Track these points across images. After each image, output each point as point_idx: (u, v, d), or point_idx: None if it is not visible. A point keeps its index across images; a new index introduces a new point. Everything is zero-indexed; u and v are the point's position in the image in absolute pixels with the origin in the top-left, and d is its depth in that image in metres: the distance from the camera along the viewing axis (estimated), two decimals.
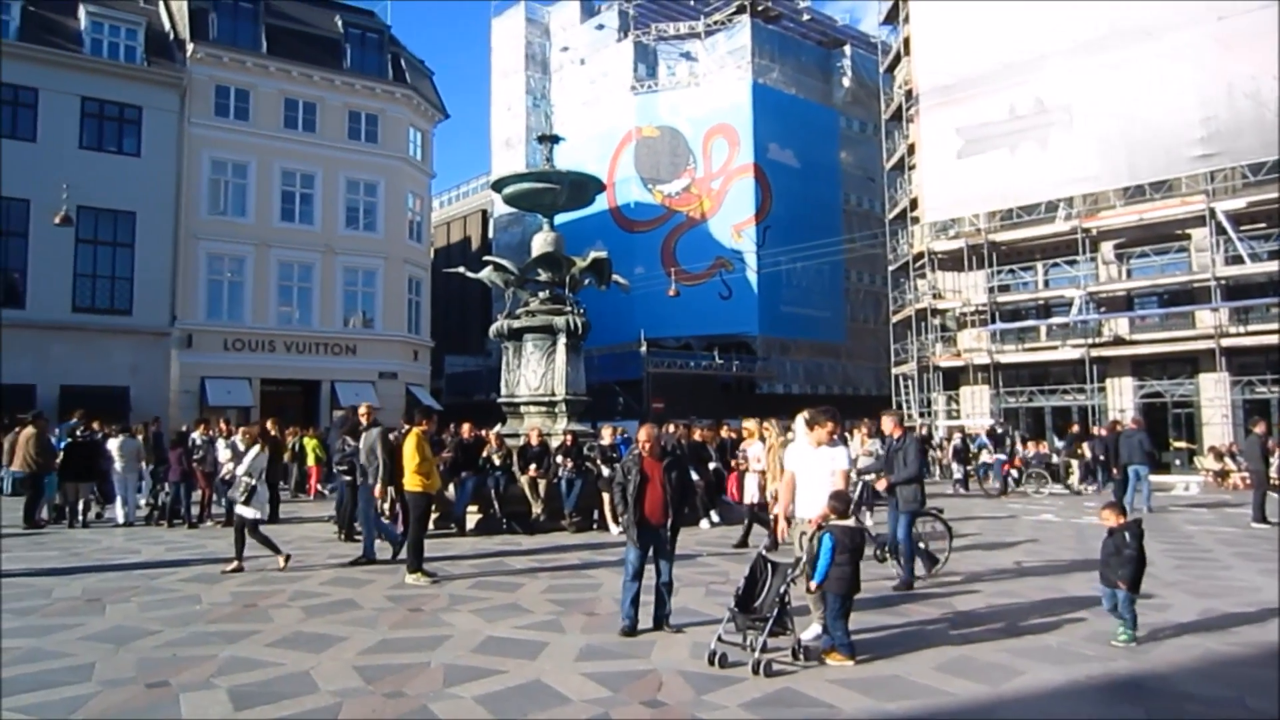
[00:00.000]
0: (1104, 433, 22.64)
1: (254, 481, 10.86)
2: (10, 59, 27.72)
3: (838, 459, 7.53)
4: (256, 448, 11.12)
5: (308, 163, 33.08)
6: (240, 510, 10.84)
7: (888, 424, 10.64)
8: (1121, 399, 30.50)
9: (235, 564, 10.65)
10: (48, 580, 10.11)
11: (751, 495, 12.18)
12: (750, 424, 13.47)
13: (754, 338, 41.70)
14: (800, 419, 7.85)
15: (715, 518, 15.33)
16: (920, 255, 35.11)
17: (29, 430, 15.49)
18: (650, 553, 7.66)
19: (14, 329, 27.04)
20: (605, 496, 13.34)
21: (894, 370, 37.46)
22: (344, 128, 34.02)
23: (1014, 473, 23.69)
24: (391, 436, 15.09)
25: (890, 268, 38.25)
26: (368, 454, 11.86)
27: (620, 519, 7.76)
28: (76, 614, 8.44)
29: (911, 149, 35.93)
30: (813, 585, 6.89)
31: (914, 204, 35.70)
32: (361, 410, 13.09)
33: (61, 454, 15.45)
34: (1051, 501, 20.19)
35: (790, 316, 42.81)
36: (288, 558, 10.88)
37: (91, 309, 28.65)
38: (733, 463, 13.83)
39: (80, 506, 15.35)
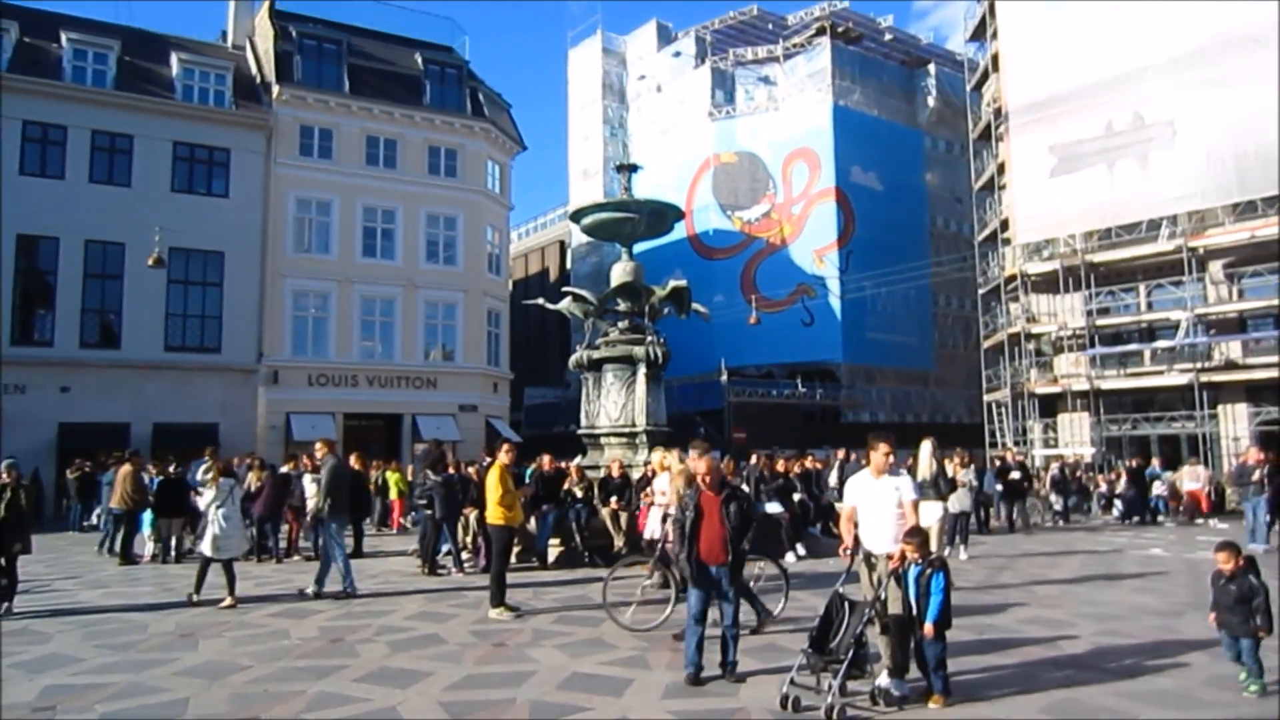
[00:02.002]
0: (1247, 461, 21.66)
1: (217, 516, 11.12)
2: (107, 107, 29.19)
3: (904, 490, 7.15)
4: (225, 481, 11.35)
5: (388, 199, 33.95)
6: (201, 547, 11.26)
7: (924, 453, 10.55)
8: (1235, 426, 29.26)
9: (228, 600, 10.89)
10: (143, 615, 10.47)
11: (653, 530, 11.78)
12: (659, 455, 12.96)
13: (838, 365, 41.26)
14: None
15: (801, 551, 15.14)
16: (1012, 278, 34.36)
17: (126, 468, 16.08)
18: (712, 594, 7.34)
19: (110, 369, 28.25)
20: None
21: (986, 397, 36.63)
22: (424, 163, 34.83)
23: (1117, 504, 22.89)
24: (474, 470, 15.27)
25: (980, 291, 37.52)
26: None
27: (677, 560, 7.44)
28: (171, 649, 8.72)
29: (1001, 168, 35.29)
30: (929, 628, 6.60)
31: (1005, 225, 35.01)
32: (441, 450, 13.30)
33: (155, 491, 16.00)
34: (1159, 534, 19.41)
35: (876, 343, 42.26)
36: (234, 604, 10.89)
37: (182, 348, 29.74)
38: (642, 495, 13.36)
39: (174, 542, 15.86)
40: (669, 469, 11.75)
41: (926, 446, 13.10)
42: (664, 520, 10.95)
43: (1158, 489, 23.36)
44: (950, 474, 15.18)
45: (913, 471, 12.56)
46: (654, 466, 12.98)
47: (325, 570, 11.72)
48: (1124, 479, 23.46)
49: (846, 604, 6.71)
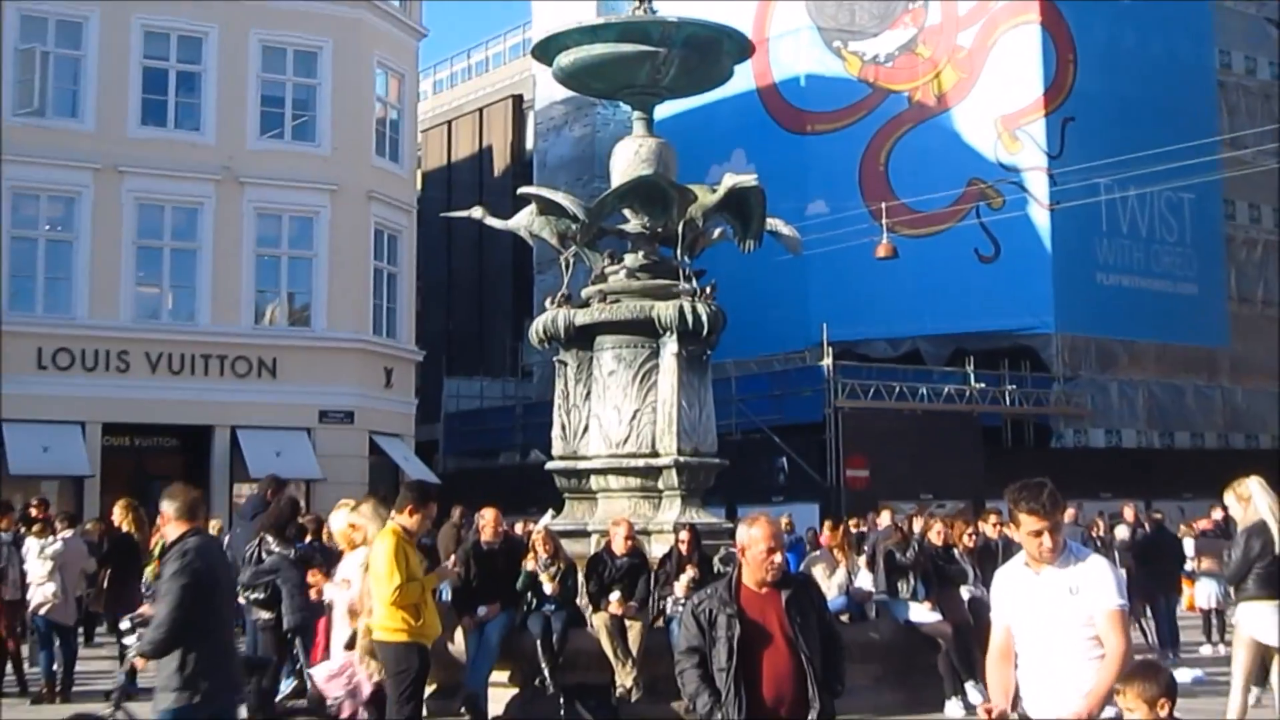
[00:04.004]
0: None
1: None
2: None
3: (1098, 589, 6.99)
4: None
5: (191, 15, 33.86)
6: None
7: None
8: None
9: None
10: None
11: (330, 671, 11.57)
12: (344, 511, 12.54)
13: (1045, 339, 41.05)
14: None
15: (973, 695, 15.03)
16: None
17: None
18: None
19: None
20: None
21: None
22: None
23: None
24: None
25: None
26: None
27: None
28: None
29: None
30: None
31: None
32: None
33: None
34: None
35: (1117, 295, 42.02)
36: None
37: None
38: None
39: None
40: (362, 539, 11.55)
41: (1255, 489, 12.90)
42: (349, 645, 11.08)
43: None
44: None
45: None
46: (341, 533, 12.63)
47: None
48: None
49: None
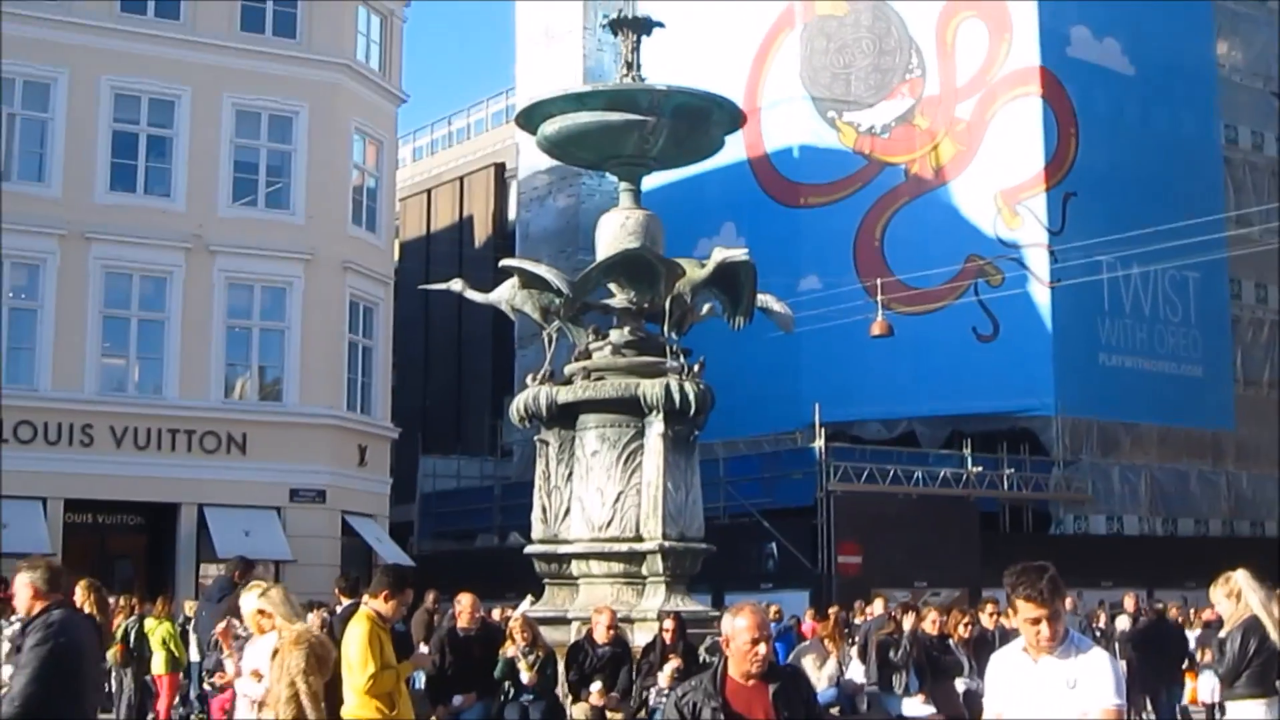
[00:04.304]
0: None
1: None
2: None
3: (1097, 684, 6.90)
4: None
5: (164, 76, 34.05)
6: None
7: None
8: None
9: None
10: None
11: None
12: (254, 596, 12.29)
13: (1045, 421, 41.08)
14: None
15: None
16: None
17: None
18: None
19: None
20: None
21: None
22: (232, 8, 34.98)
23: None
24: (320, 619, 15.21)
25: None
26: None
27: None
28: None
29: None
30: None
31: None
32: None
33: None
34: None
35: (1119, 378, 42.09)
36: None
37: None
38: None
39: None
40: (270, 625, 11.32)
41: (1244, 583, 12.89)
42: None
43: None
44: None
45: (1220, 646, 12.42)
46: (246, 622, 12.33)
47: None
48: None
49: None
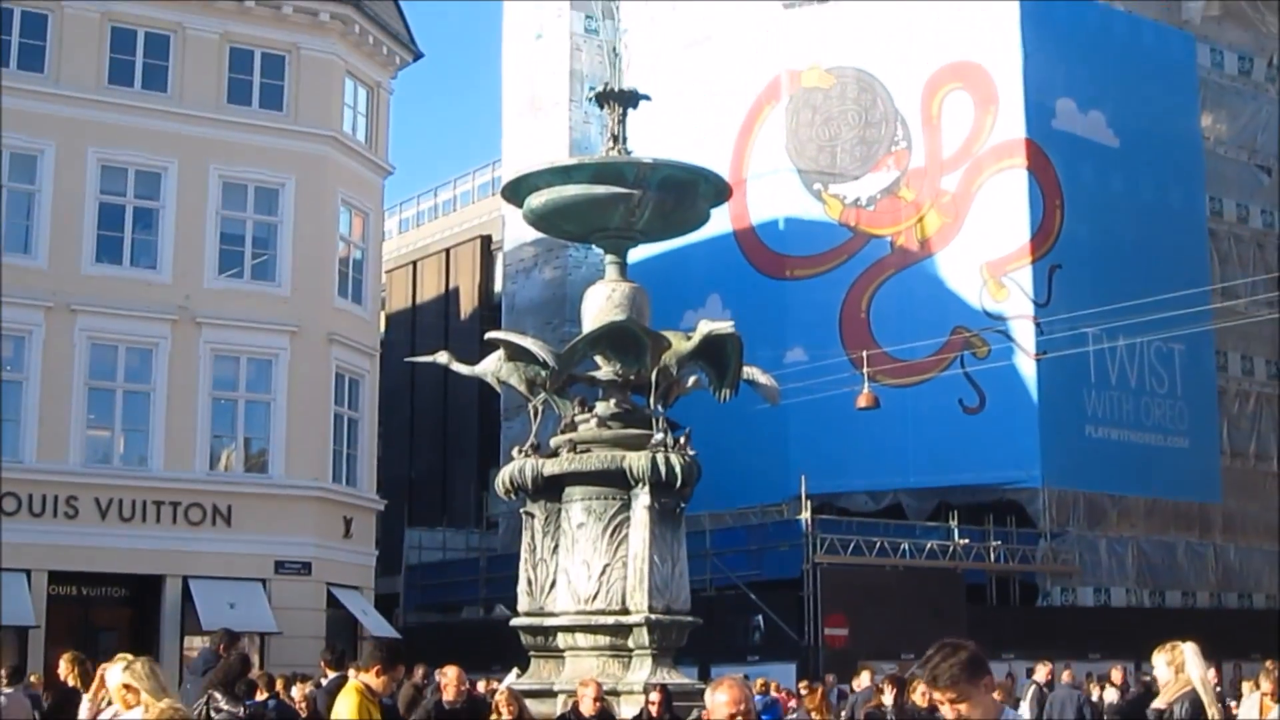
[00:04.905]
0: None
1: None
2: None
3: None
4: None
5: (150, 149, 34.21)
6: None
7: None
8: None
9: None
10: None
11: None
12: (135, 671, 11.85)
13: (1031, 493, 41.06)
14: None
15: None
16: None
17: None
18: None
19: None
20: None
21: None
22: (219, 80, 35.22)
23: None
24: (303, 693, 15.19)
25: None
26: None
27: None
28: None
29: None
30: None
31: None
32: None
33: None
34: None
35: (1105, 450, 42.11)
36: None
37: None
38: None
39: None
40: (135, 700, 10.89)
41: (1189, 656, 12.90)
42: None
43: None
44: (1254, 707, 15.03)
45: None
46: (115, 692, 11.95)
47: None
48: None
49: None
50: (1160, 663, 12.93)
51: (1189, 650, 12.95)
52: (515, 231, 48.72)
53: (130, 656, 12.24)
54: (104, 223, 33.87)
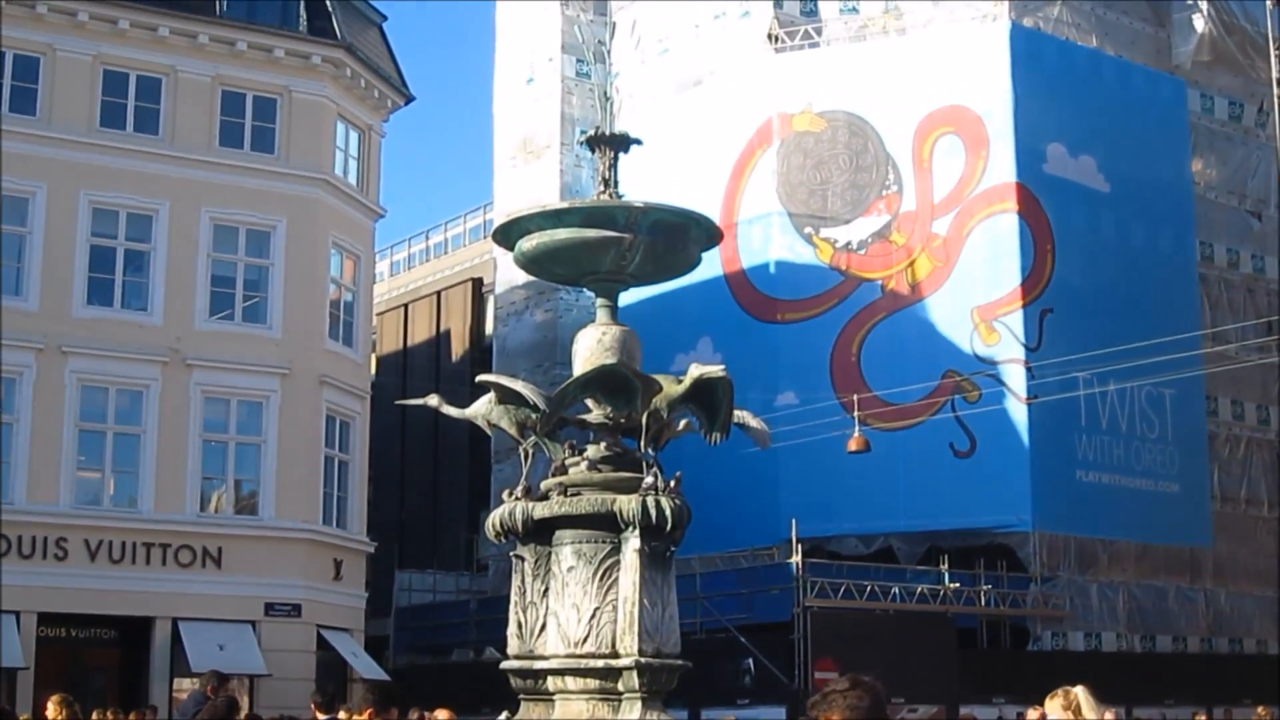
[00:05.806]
0: None
1: None
2: None
3: None
4: None
5: (142, 191, 34.42)
6: None
7: None
8: None
9: None
10: None
11: None
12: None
13: (1022, 537, 41.07)
14: None
15: None
16: None
17: None
18: None
19: None
20: None
21: None
22: (212, 123, 35.45)
23: None
24: None
25: None
26: None
27: None
28: None
29: None
30: None
31: None
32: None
33: None
34: None
35: (1096, 495, 42.13)
36: None
37: None
38: None
39: None
40: None
41: (1083, 701, 12.82)
42: None
43: None
44: None
45: None
46: None
47: None
48: None
49: None
50: (1055, 707, 12.85)
51: (1082, 695, 12.94)
52: (506, 274, 48.78)
53: (61, 695, 12.17)
54: (95, 265, 34.05)
